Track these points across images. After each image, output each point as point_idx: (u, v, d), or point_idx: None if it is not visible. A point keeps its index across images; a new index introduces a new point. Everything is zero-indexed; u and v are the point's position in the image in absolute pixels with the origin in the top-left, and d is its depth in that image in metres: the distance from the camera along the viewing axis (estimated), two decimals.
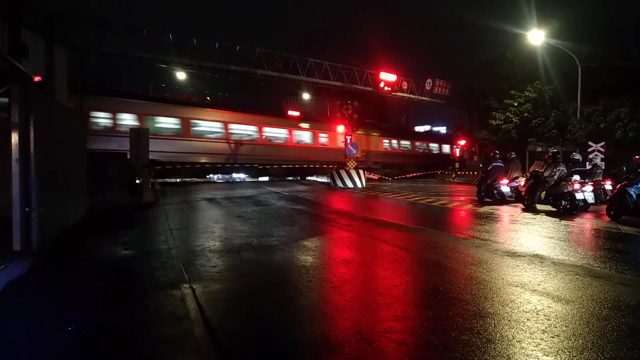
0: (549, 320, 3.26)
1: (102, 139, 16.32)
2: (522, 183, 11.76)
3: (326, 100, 42.92)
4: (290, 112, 27.40)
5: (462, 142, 29.95)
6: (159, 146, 16.93)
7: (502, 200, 12.47)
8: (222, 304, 3.78)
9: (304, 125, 25.17)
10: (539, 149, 23.19)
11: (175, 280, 4.32)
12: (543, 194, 10.62)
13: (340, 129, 22.71)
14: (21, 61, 5.26)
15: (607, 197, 10.83)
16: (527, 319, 3.28)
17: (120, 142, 15.68)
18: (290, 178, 24.48)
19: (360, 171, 19.86)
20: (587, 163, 14.48)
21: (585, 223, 8.78)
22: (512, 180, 12.59)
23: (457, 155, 30.04)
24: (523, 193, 11.36)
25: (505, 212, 10.57)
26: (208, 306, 3.60)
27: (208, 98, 31.37)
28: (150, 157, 13.17)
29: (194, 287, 4.07)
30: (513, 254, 5.62)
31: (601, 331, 3.07)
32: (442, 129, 44.89)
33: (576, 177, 10.23)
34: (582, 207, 10.15)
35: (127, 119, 17.96)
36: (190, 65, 21.40)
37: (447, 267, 5.04)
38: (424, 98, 29.56)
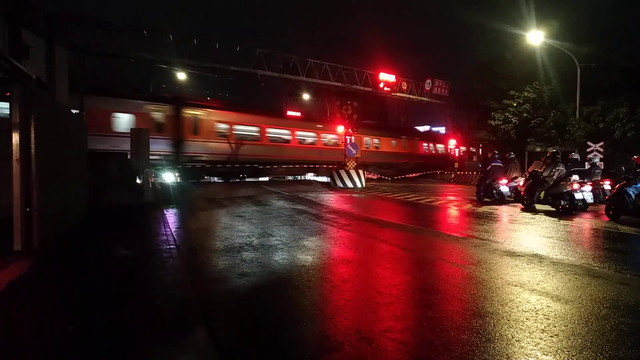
0: (548, 319, 3.28)
1: None
2: (521, 183, 11.80)
3: (326, 101, 42.97)
4: None
5: (461, 143, 30.01)
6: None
7: (502, 200, 12.51)
8: (223, 303, 3.79)
9: None
10: (538, 149, 23.27)
11: (175, 280, 4.33)
12: (542, 194, 10.66)
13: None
14: (22, 62, 5.24)
15: (606, 197, 10.89)
16: (527, 319, 3.29)
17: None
18: None
19: (360, 171, 19.93)
20: (586, 163, 14.55)
21: (584, 223, 8.80)
22: (511, 180, 12.64)
23: (457, 155, 30.10)
24: (522, 193, 11.39)
25: (505, 212, 10.59)
26: (209, 305, 3.62)
27: (209, 98, 31.31)
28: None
29: (195, 286, 4.09)
30: (512, 254, 5.64)
31: (600, 330, 3.08)
32: (442, 129, 44.93)
33: (575, 177, 10.27)
34: (581, 207, 10.18)
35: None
36: (191, 65, 21.35)
37: (446, 267, 5.06)
38: (423, 98, 29.58)
